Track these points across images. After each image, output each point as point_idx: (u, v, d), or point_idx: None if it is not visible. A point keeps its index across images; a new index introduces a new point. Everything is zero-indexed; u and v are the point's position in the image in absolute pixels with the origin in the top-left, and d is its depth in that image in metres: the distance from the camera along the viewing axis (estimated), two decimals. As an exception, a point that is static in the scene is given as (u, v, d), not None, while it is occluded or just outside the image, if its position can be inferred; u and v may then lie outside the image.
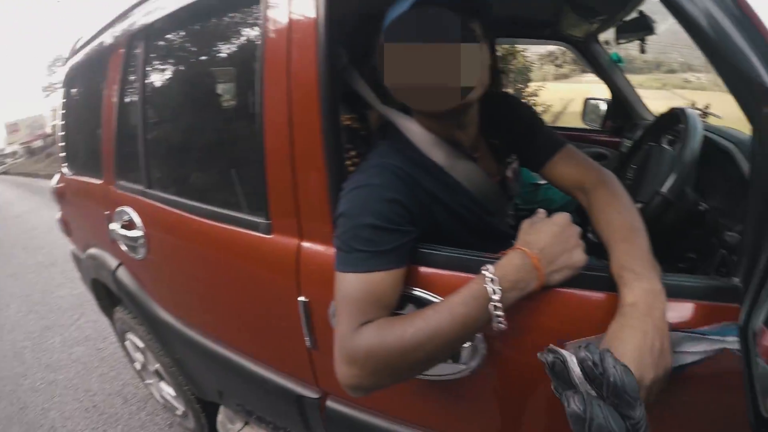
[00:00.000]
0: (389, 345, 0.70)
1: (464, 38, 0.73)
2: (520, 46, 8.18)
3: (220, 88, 1.28)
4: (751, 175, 0.72)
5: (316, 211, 0.91)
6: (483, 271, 0.71)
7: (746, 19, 0.64)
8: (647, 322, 0.65)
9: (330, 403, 1.10)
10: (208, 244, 1.19)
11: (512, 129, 1.04)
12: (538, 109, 9.34)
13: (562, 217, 0.77)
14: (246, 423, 1.61)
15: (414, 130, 0.89)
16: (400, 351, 0.70)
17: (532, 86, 9.36)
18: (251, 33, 1.09)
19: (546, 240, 0.74)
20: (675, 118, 1.30)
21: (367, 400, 1.04)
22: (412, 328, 0.70)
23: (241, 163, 1.14)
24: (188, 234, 1.25)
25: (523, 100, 1.10)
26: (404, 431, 1.00)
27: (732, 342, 0.68)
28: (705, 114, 2.11)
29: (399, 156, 0.84)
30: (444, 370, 0.85)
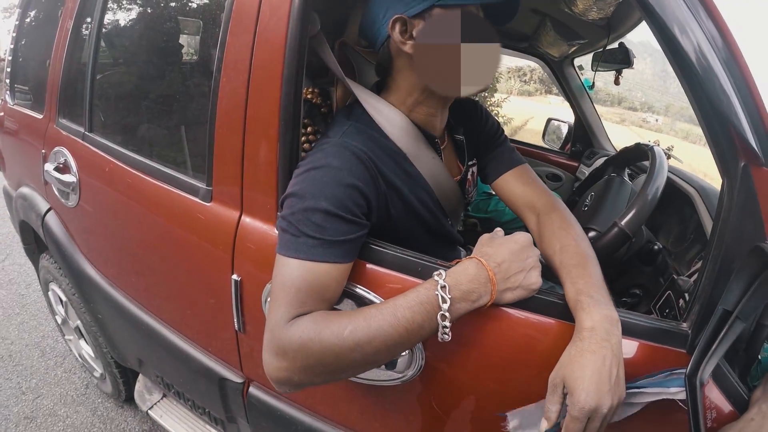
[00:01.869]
0: (325, 341, 0.64)
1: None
2: None
3: (182, 37, 1.16)
4: (715, 225, 0.70)
5: (262, 184, 0.83)
6: (435, 277, 0.66)
7: (739, 72, 0.62)
8: (606, 348, 0.62)
9: (253, 391, 1.03)
10: (143, 202, 1.08)
11: (477, 134, 1.01)
12: (499, 119, 9.57)
13: (524, 237, 0.73)
14: (164, 395, 1.52)
15: (381, 109, 0.82)
16: (335, 349, 0.64)
17: (497, 96, 9.51)
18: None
19: (505, 255, 0.69)
20: (641, 153, 1.29)
21: (293, 393, 0.98)
22: (352, 325, 0.64)
23: (191, 120, 1.04)
24: (123, 187, 1.14)
25: (489, 112, 1.08)
26: (327, 430, 0.95)
27: (675, 393, 0.66)
28: (668, 155, 2.19)
29: (362, 137, 0.77)
30: (377, 375, 0.80)
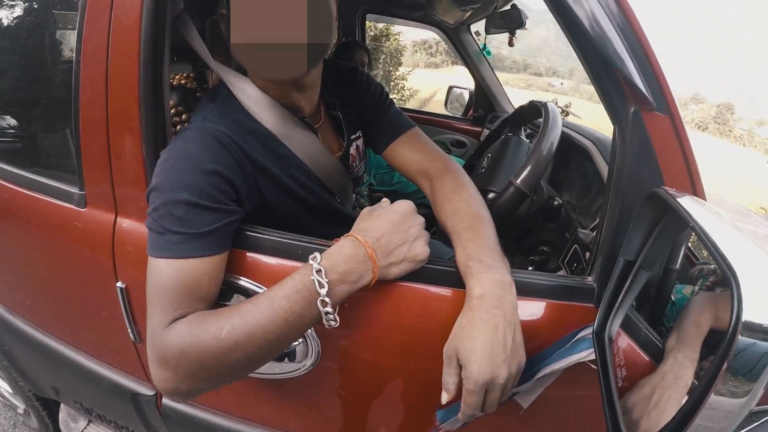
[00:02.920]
0: (203, 344, 0.59)
1: None
2: (394, 29, 8.39)
3: (47, 32, 1.06)
4: (610, 175, 0.70)
5: (132, 183, 0.78)
6: (310, 261, 0.62)
7: (622, 14, 0.62)
8: (498, 315, 0.60)
9: (167, 401, 0.97)
10: (21, 217, 1.00)
11: (359, 104, 0.97)
12: (405, 93, 9.55)
13: (404, 205, 0.69)
14: (89, 421, 1.43)
15: (247, 90, 0.78)
16: (215, 351, 0.59)
17: (402, 70, 9.65)
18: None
19: (384, 228, 0.66)
20: (535, 111, 1.30)
21: (204, 398, 0.93)
22: (228, 324, 0.60)
23: (59, 121, 0.96)
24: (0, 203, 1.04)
25: (371, 77, 1.03)
26: (245, 429, 0.91)
27: (585, 355, 0.66)
28: (566, 112, 2.24)
29: (225, 119, 0.73)
30: (278, 368, 0.77)
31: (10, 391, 1.65)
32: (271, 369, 0.76)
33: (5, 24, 1.13)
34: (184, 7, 0.81)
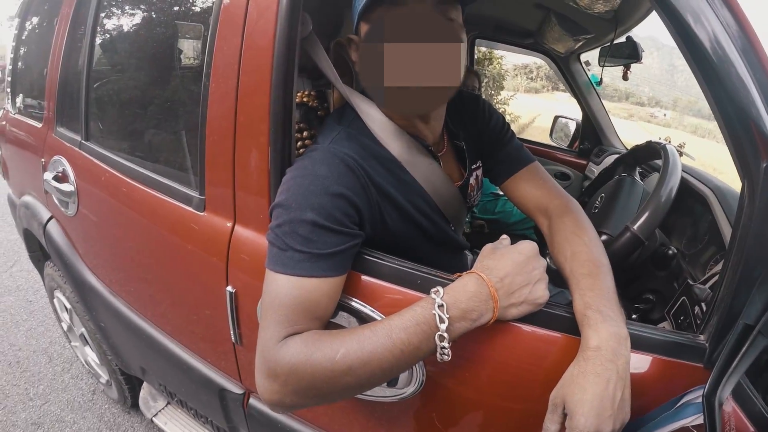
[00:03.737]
0: (316, 365, 0.61)
1: (458, 36, 0.67)
2: (497, 53, 8.15)
3: (173, 43, 1.13)
4: (735, 232, 0.66)
5: (253, 193, 0.80)
6: (432, 294, 0.62)
7: (758, 63, 0.57)
8: (611, 370, 0.58)
9: (254, 402, 1.01)
10: (139, 211, 1.06)
11: (480, 134, 0.96)
12: (506, 118, 9.59)
13: (529, 246, 0.68)
14: (168, 402, 1.51)
15: (373, 115, 0.79)
16: (327, 373, 0.61)
17: (504, 94, 9.41)
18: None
19: (508, 269, 0.65)
20: (653, 152, 1.24)
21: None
22: (344, 348, 0.61)
23: (183, 128, 1.01)
24: (119, 196, 1.12)
25: (493, 107, 1.02)
26: (328, 443, 0.93)
27: (691, 420, 0.62)
28: (680, 153, 2.15)
29: (352, 143, 0.74)
30: (378, 392, 0.77)
31: (98, 362, 1.78)
32: (371, 391, 0.76)
33: (131, 30, 1.21)
34: (312, 29, 0.84)
